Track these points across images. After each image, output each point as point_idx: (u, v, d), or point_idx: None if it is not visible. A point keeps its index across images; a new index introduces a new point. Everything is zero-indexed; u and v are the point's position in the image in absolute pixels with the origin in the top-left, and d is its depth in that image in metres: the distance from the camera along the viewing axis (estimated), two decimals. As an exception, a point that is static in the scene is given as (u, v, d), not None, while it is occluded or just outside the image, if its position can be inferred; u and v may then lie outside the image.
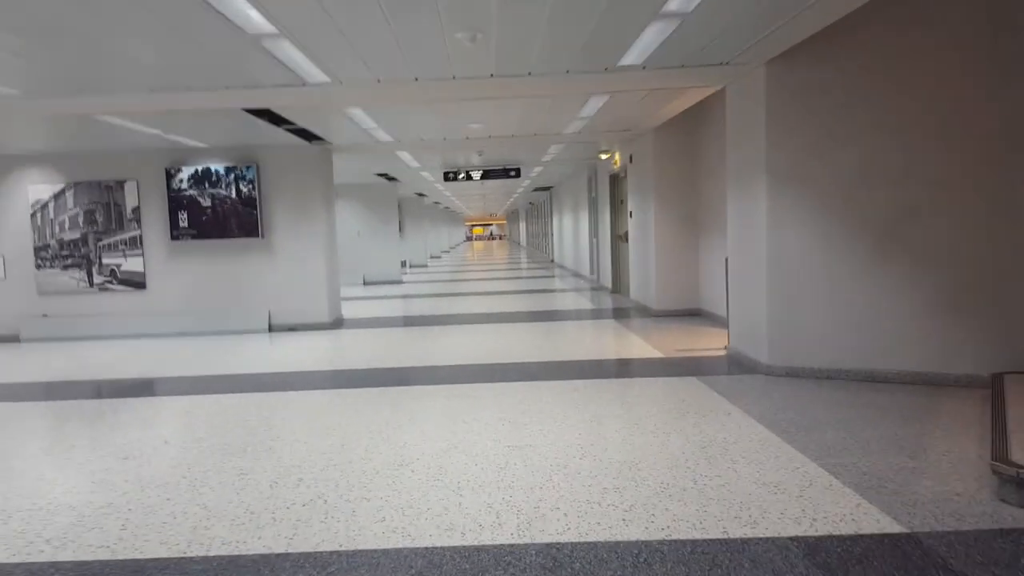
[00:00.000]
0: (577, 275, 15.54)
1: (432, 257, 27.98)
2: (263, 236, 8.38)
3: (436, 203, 26.98)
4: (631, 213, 9.82)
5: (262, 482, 3.30)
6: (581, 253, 15.09)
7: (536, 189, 20.71)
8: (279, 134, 7.53)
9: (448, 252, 35.08)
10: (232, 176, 8.24)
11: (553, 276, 16.10)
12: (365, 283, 15.34)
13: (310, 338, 7.87)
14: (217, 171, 8.23)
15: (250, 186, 8.24)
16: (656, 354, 6.15)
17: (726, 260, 6.20)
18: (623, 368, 5.70)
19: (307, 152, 8.37)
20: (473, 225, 67.36)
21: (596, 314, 9.19)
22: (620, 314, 8.96)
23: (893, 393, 4.51)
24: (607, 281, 11.97)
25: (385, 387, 5.25)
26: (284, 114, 6.48)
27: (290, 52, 4.45)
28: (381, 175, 13.49)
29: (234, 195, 8.25)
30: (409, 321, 9.22)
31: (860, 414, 4.06)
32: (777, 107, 5.05)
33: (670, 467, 3.30)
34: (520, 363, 5.94)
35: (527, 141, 8.91)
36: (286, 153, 8.36)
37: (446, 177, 12.42)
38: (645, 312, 8.89)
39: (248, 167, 8.24)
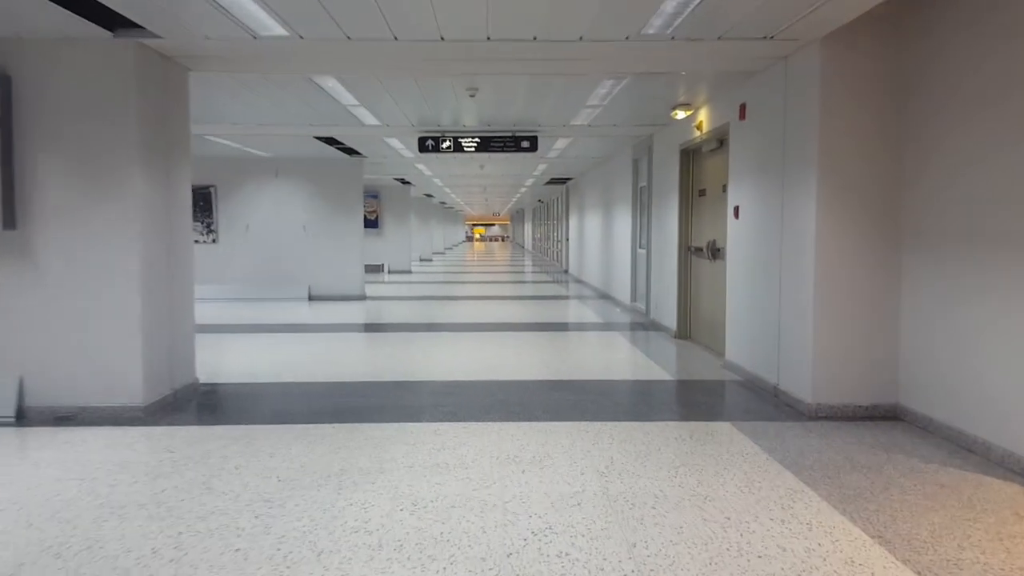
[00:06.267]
0: (606, 297, 11.20)
1: (422, 259, 23.61)
2: (13, 226, 4.07)
3: (428, 196, 22.63)
4: (736, 210, 5.54)
5: None
6: (615, 268, 10.75)
7: (549, 182, 16.37)
8: (39, 5, 3.26)
9: (442, 254, 30.57)
10: (-55, 96, 3.93)
11: (570, 297, 11.75)
12: (311, 298, 10.99)
13: (92, 453, 3.55)
14: (-87, 84, 3.93)
15: (-18, 119, 3.94)
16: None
17: None
18: None
19: (113, 56, 4.05)
20: (474, 225, 63.10)
21: (680, 404, 4.86)
22: (732, 406, 4.62)
23: None
24: (664, 317, 7.65)
25: None
26: None
27: None
28: (326, 141, 9.11)
29: (-53, 136, 3.95)
30: (331, 399, 4.87)
31: None
32: None
33: None
34: None
35: (560, 69, 4.61)
36: (69, 56, 4.04)
37: (423, 146, 8.09)
38: (781, 404, 4.53)
39: (-20, 79, 3.94)
